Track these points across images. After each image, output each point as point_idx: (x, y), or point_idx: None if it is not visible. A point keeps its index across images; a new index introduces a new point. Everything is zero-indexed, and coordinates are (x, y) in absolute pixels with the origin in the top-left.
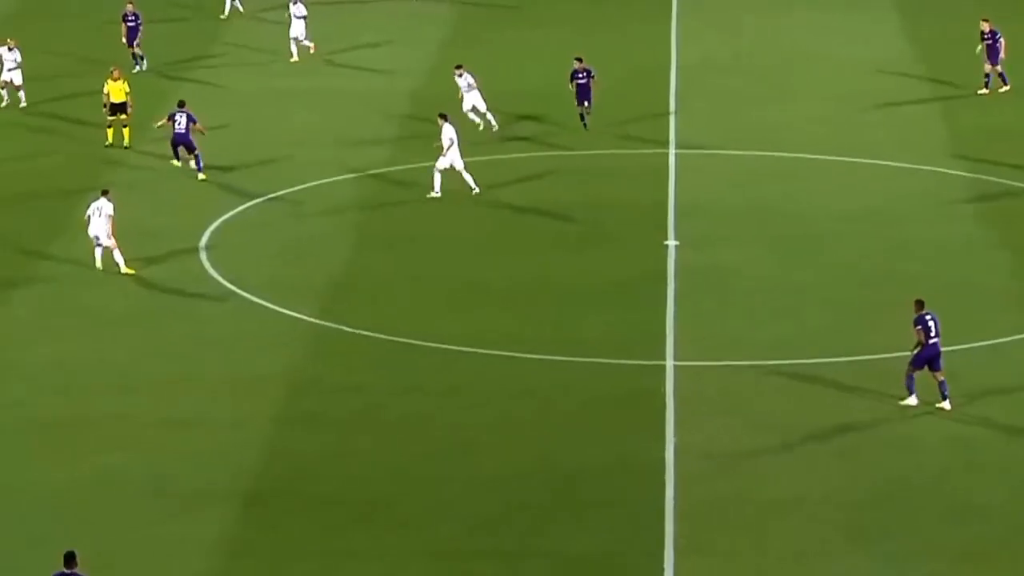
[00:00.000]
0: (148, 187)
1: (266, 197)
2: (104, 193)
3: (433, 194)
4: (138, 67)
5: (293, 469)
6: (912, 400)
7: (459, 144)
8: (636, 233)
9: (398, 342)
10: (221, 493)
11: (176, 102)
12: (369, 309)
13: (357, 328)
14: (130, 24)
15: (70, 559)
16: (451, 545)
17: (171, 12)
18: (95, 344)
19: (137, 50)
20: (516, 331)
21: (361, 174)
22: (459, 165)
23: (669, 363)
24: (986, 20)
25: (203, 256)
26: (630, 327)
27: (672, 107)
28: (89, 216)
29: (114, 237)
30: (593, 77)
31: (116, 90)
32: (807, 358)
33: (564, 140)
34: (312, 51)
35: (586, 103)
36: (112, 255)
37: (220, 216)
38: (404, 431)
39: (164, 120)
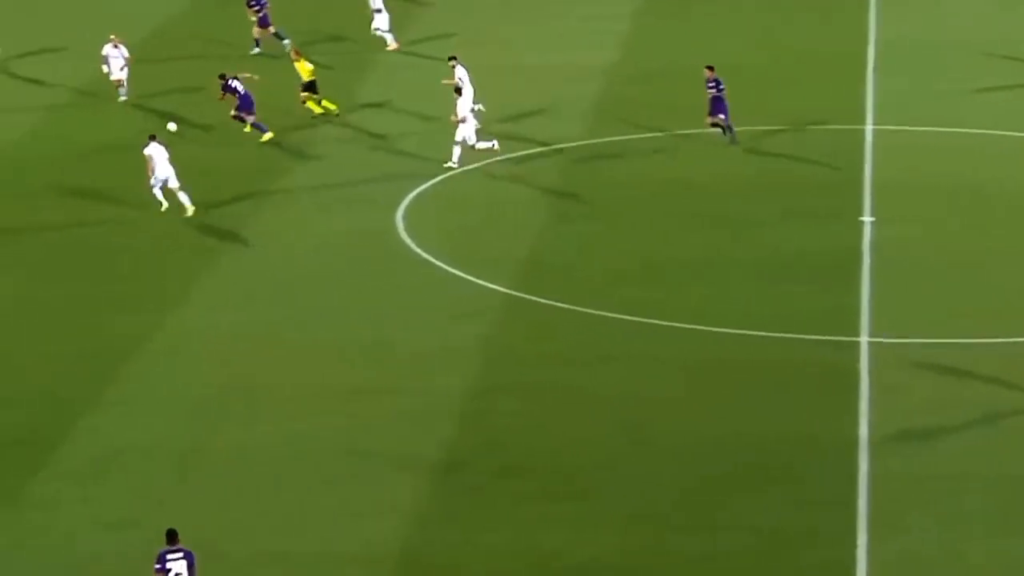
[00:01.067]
0: (346, 157)
1: (462, 169)
2: (152, 138)
3: (451, 163)
4: (256, 49)
5: (486, 438)
6: None
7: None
8: (831, 210)
9: (589, 314)
10: (413, 461)
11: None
12: (561, 281)
13: (549, 299)
14: (254, 7)
15: (172, 536)
16: (641, 516)
17: None
18: (292, 311)
19: (271, 30)
20: (706, 304)
21: (555, 147)
22: (470, 139)
23: (863, 339)
24: None
25: (399, 226)
26: (824, 303)
27: (870, 84)
28: (154, 161)
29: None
30: (723, 88)
31: (303, 69)
32: (1004, 336)
33: (757, 117)
34: (394, 47)
35: (721, 115)
36: (178, 196)
37: (417, 187)
38: (595, 402)
39: (223, 95)
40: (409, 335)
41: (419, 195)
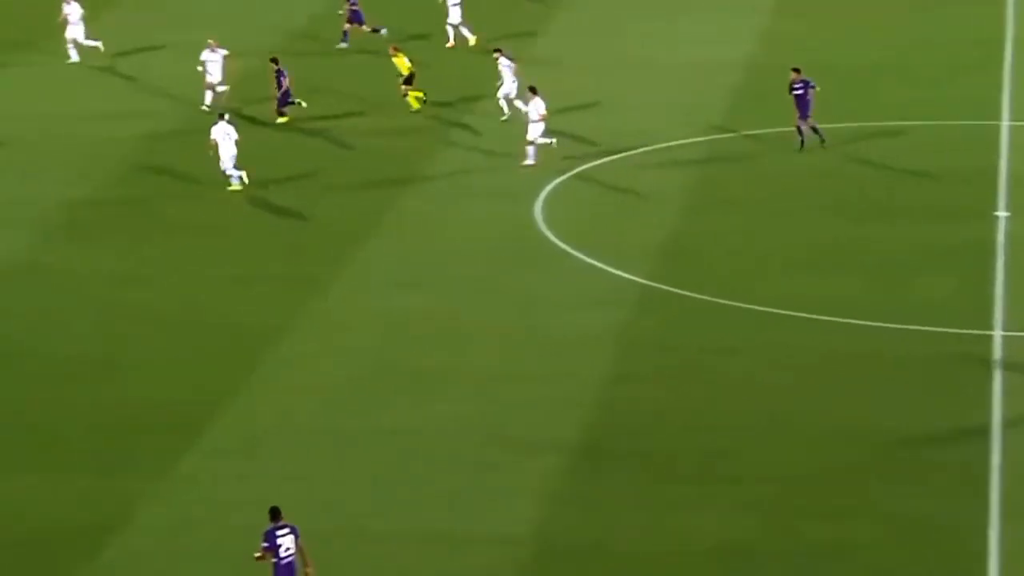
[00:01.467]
0: (484, 149)
1: (600, 161)
2: (221, 116)
3: (528, 161)
4: (343, 44)
5: (624, 423)
6: None
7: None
8: (964, 203)
9: (722, 304)
10: (553, 444)
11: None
12: (695, 271)
13: (683, 289)
14: (353, 7)
15: (276, 513)
16: (775, 501)
17: None
18: (434, 296)
19: (363, 29)
20: (838, 296)
21: (692, 140)
22: (533, 136)
23: (997, 333)
24: None
25: (538, 217)
26: (957, 295)
27: (1007, 79)
28: (216, 140)
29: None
30: (813, 88)
31: (401, 64)
32: None
33: (893, 112)
34: (472, 42)
35: (809, 117)
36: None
37: (556, 178)
38: (730, 389)
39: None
40: (548, 323)
41: (557, 186)
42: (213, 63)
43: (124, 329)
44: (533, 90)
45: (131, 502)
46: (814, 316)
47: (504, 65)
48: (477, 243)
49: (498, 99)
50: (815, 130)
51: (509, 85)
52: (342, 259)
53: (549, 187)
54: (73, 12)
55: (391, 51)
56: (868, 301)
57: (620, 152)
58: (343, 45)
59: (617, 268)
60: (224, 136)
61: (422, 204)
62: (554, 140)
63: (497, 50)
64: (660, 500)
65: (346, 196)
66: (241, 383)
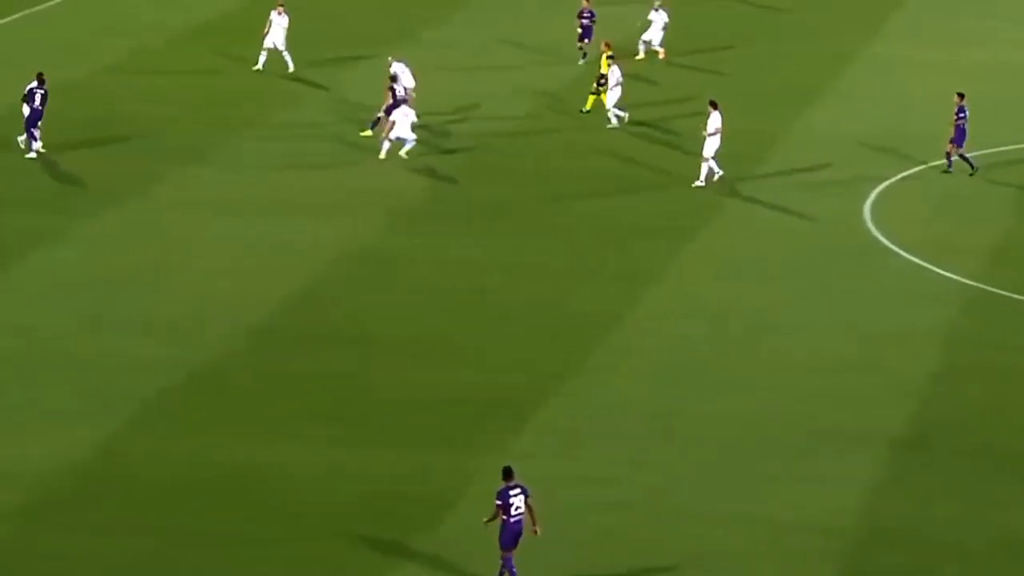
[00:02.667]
0: (816, 145)
1: (927, 165)
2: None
3: (713, 175)
4: (581, 61)
5: (947, 418)
6: None
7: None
8: None
9: None
10: (873, 436)
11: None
12: (1020, 274)
13: (1011, 292)
14: (584, 21)
15: (509, 473)
16: None
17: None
18: (763, 290)
19: (584, 45)
20: None
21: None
22: (709, 152)
23: None
24: None
25: (867, 217)
26: None
27: None
28: (396, 120)
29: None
30: (963, 117)
31: (604, 64)
32: None
33: None
34: (662, 56)
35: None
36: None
37: (888, 178)
38: None
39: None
40: (871, 318)
41: (888, 186)
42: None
43: (463, 314)
44: (714, 104)
45: (468, 477)
46: None
47: (614, 73)
48: (805, 238)
49: (606, 107)
50: (963, 157)
51: (616, 93)
52: (672, 251)
53: (881, 187)
54: (276, 20)
55: (603, 47)
56: None
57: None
58: (581, 62)
59: (943, 268)
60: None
61: (753, 200)
62: (719, 173)
63: (611, 56)
64: (982, 494)
65: (677, 193)
66: (575, 368)
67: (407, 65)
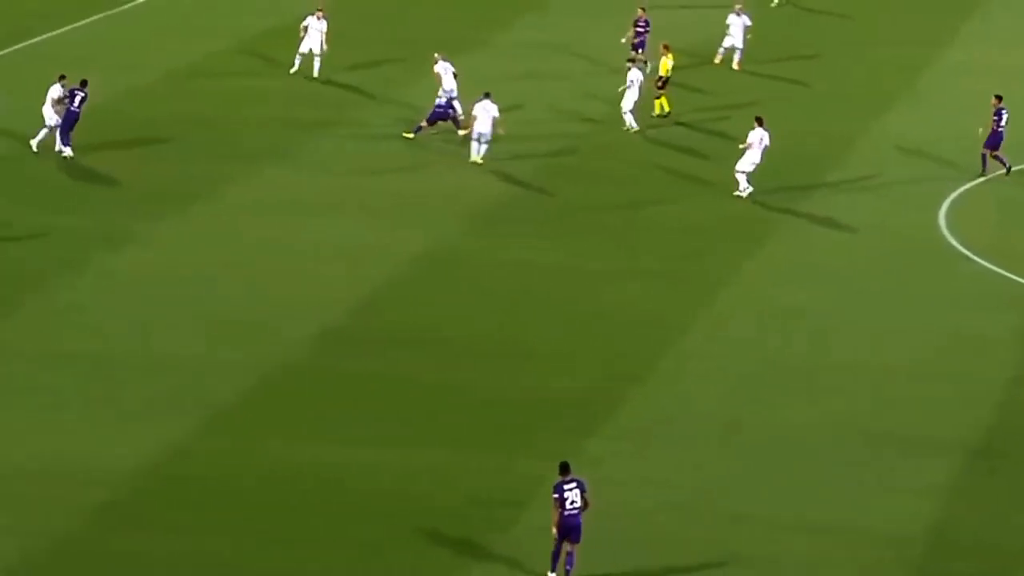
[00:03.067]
0: (891, 152)
1: (1000, 172)
2: (487, 95)
3: (745, 191)
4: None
5: (1020, 425)
6: None
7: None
8: None
9: None
10: (948, 443)
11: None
12: None
13: None
14: (639, 30)
15: (566, 468)
16: None
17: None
18: (835, 296)
19: (637, 55)
20: None
21: None
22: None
23: None
24: None
25: (941, 223)
26: None
27: None
28: (476, 115)
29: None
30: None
31: (664, 65)
32: None
33: None
34: (736, 65)
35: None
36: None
37: (963, 185)
38: None
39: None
40: (946, 324)
41: (963, 193)
42: (315, 31)
43: (534, 317)
44: (759, 121)
45: (539, 479)
46: None
47: (633, 77)
48: (878, 244)
49: (622, 110)
50: (998, 159)
51: (634, 95)
52: (743, 256)
53: (956, 192)
54: (314, 24)
55: (662, 49)
56: None
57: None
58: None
59: (1018, 274)
60: (480, 112)
61: (826, 203)
62: (749, 190)
63: (631, 60)
64: None
65: (748, 198)
66: (644, 372)
67: (452, 66)
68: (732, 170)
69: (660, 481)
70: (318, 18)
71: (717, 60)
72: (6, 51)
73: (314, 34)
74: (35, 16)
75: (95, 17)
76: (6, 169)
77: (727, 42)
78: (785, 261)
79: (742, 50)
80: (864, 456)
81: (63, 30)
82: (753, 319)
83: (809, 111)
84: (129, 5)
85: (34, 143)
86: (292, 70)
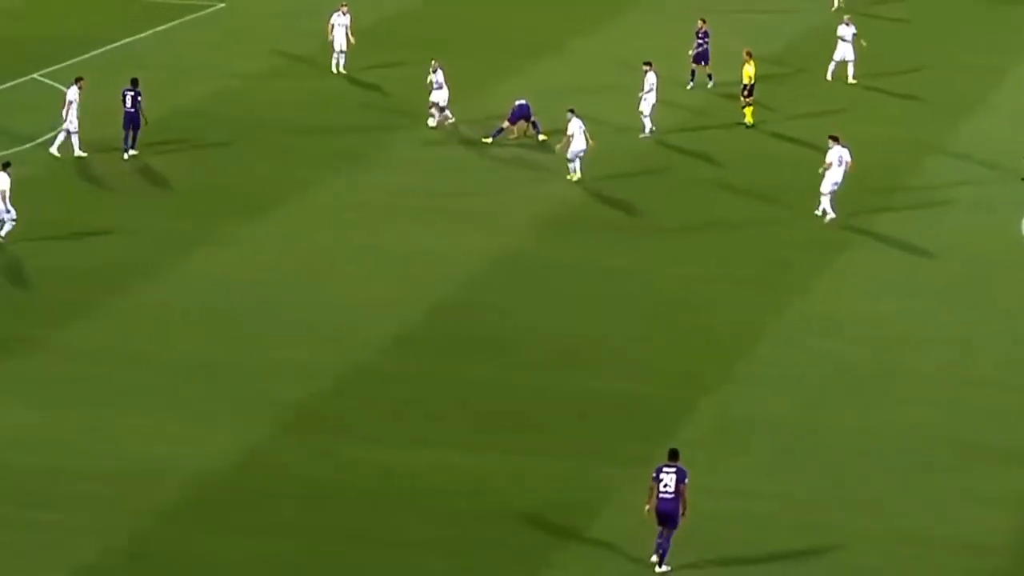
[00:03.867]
0: (973, 160)
1: None
2: (572, 111)
3: (826, 215)
4: (710, 83)
5: None
6: None
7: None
8: None
9: None
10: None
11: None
12: None
13: None
14: (700, 42)
15: (674, 454)
16: None
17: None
18: (913, 303)
19: (706, 68)
20: None
21: None
22: (828, 188)
23: None
24: None
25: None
26: None
27: None
28: (572, 134)
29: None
30: None
31: (746, 73)
32: None
33: None
34: (852, 80)
35: None
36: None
37: None
38: None
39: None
40: (1019, 332)
41: None
42: (340, 26)
43: (611, 323)
44: (835, 139)
45: (614, 486)
46: None
47: (650, 81)
48: (957, 252)
49: (640, 113)
50: None
51: (650, 100)
52: (821, 264)
53: None
54: (338, 20)
55: (744, 56)
56: None
57: None
58: (690, 86)
59: None
60: (575, 129)
61: (906, 211)
62: (831, 216)
63: (647, 63)
64: None
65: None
66: (720, 379)
67: (444, 73)
68: (815, 178)
69: (735, 491)
70: (343, 13)
71: (829, 77)
72: (91, 54)
73: (339, 30)
74: (108, 26)
75: (177, 21)
76: (83, 171)
77: (838, 55)
78: (865, 270)
79: (854, 61)
80: (942, 465)
81: (142, 35)
82: (831, 327)
83: (886, 119)
84: (209, 10)
85: (53, 149)
86: (334, 70)
